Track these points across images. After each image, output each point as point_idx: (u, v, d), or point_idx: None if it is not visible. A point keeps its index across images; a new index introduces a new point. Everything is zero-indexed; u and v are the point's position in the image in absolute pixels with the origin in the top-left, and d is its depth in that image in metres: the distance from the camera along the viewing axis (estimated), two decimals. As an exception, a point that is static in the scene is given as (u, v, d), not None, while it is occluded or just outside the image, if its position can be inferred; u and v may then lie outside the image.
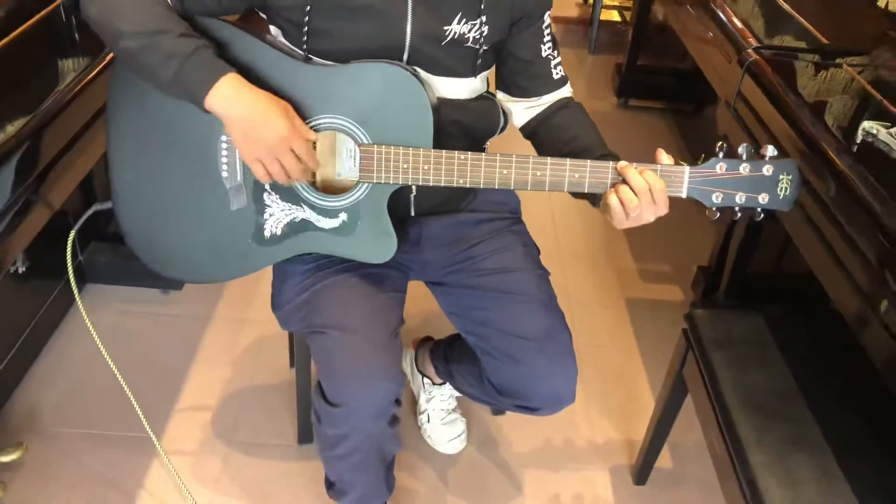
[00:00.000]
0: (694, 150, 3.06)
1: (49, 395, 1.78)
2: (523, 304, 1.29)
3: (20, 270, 1.69)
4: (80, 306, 1.39)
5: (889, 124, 1.31)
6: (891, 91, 1.45)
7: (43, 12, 1.55)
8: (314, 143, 1.16)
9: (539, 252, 1.43)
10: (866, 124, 1.31)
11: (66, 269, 1.93)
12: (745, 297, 1.96)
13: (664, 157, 1.12)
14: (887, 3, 1.64)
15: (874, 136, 1.30)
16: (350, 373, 1.19)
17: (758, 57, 1.65)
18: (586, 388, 1.94)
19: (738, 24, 1.86)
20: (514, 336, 1.28)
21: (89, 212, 1.36)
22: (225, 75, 1.06)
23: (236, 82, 1.07)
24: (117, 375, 1.41)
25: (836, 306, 1.23)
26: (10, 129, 1.23)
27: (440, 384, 1.71)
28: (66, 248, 1.92)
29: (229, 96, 1.06)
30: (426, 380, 1.73)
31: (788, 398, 1.27)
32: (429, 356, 1.69)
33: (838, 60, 1.60)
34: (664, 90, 3.38)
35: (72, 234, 1.36)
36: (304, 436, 1.71)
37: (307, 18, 1.15)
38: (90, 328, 1.39)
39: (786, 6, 1.93)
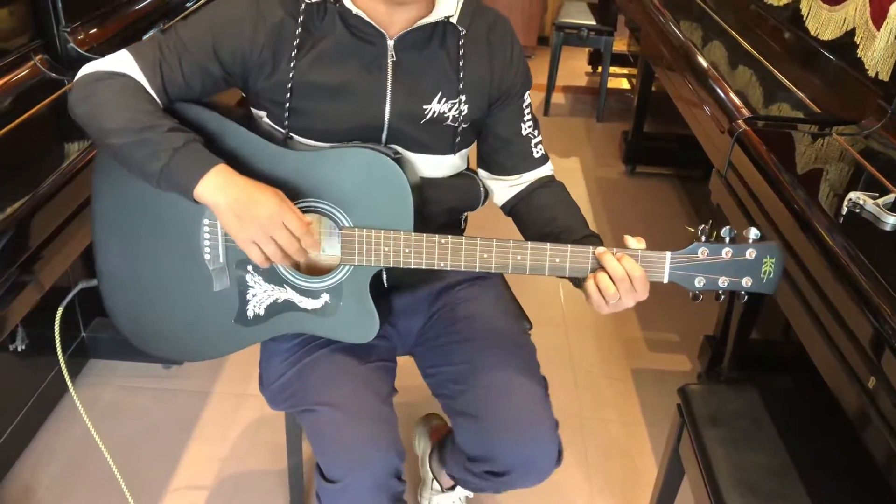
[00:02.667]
0: (702, 216, 3.05)
1: (44, 474, 1.78)
2: (485, 351, 1.26)
3: (20, 348, 1.71)
4: (73, 392, 1.39)
5: (876, 195, 1.29)
6: (880, 161, 1.44)
7: (50, 98, 1.62)
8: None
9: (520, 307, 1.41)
10: (853, 195, 1.29)
11: (66, 346, 1.95)
12: (751, 368, 1.91)
13: (632, 242, 1.10)
14: (877, 72, 1.64)
15: (861, 206, 1.28)
16: (343, 447, 1.18)
17: (748, 128, 1.65)
18: (588, 463, 1.89)
19: (732, 94, 1.87)
20: (475, 387, 1.23)
21: (75, 290, 1.38)
22: (215, 166, 1.07)
23: (226, 172, 1.08)
24: (109, 461, 1.40)
25: (828, 384, 1.20)
26: (10, 209, 1.27)
27: (448, 489, 1.65)
28: (65, 327, 1.95)
29: (219, 185, 1.06)
30: (435, 483, 1.67)
31: (783, 476, 1.22)
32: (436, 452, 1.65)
33: (828, 130, 1.60)
34: (671, 156, 3.39)
35: (59, 310, 1.36)
36: (297, 516, 1.68)
37: (289, 96, 1.17)
38: (83, 414, 1.39)
39: (781, 77, 1.95)
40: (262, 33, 1.15)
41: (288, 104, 1.18)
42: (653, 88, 3.30)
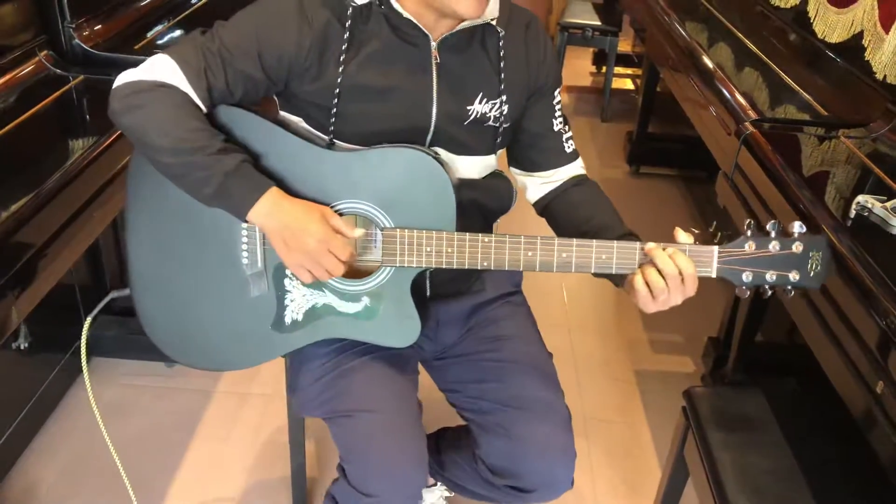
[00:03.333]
0: (707, 218, 3.04)
1: (47, 472, 1.78)
2: (521, 374, 1.27)
3: (22, 346, 1.70)
4: (91, 398, 1.38)
5: (884, 198, 1.28)
6: (888, 164, 1.44)
7: (54, 95, 1.62)
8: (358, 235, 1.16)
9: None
10: (861, 198, 1.29)
11: (69, 343, 1.95)
12: (756, 371, 1.91)
13: (682, 237, 1.08)
14: (885, 75, 1.63)
15: (869, 209, 1.27)
16: (383, 460, 1.17)
17: (755, 130, 1.64)
18: (592, 464, 1.88)
19: (738, 96, 1.86)
20: (509, 408, 1.24)
21: (105, 300, 1.33)
22: (265, 192, 1.08)
23: (276, 196, 1.09)
24: (115, 457, 1.40)
25: (836, 388, 1.19)
26: (14, 206, 1.26)
27: (430, 486, 1.65)
28: (69, 324, 1.95)
29: (269, 211, 1.08)
30: None
31: (789, 480, 1.22)
32: None
33: (835, 133, 1.59)
34: (676, 157, 3.39)
35: (87, 320, 1.32)
36: (300, 516, 1.68)
37: (336, 101, 1.15)
38: (96, 411, 1.38)
39: (787, 79, 1.94)
40: (308, 37, 1.13)
41: (335, 109, 1.16)
42: (657, 89, 3.30)
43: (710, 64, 2.14)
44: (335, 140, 1.19)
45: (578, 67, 4.69)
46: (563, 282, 2.60)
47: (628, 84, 4.51)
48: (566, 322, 2.41)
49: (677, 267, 1.05)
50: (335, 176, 1.15)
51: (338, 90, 1.15)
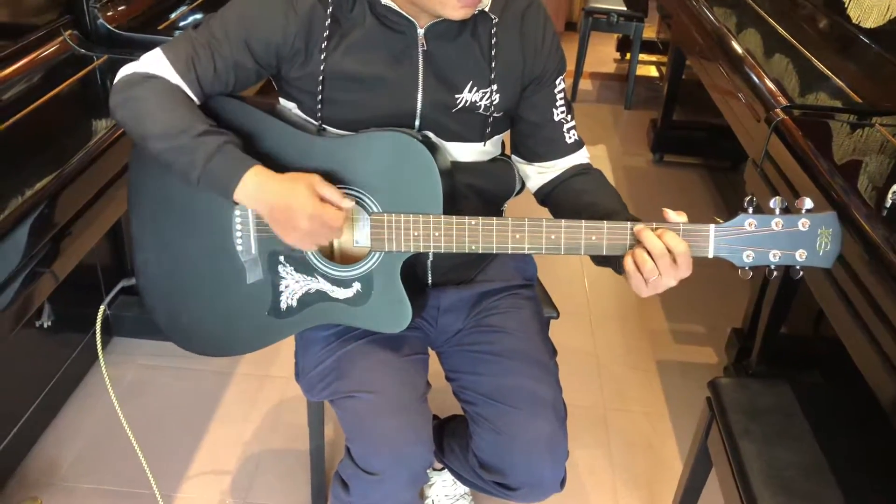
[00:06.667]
0: (731, 207, 3.00)
1: (68, 449, 1.79)
2: (514, 368, 1.24)
3: (45, 325, 1.71)
4: (106, 377, 1.38)
5: (921, 188, 1.25)
6: (924, 153, 1.40)
7: (78, 74, 1.62)
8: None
9: (548, 322, 1.38)
10: (896, 188, 1.26)
11: (91, 323, 1.96)
12: (780, 363, 1.88)
13: (672, 216, 1.04)
14: (922, 61, 1.60)
15: (905, 199, 1.24)
16: (383, 440, 1.16)
17: (786, 116, 1.61)
18: (612, 455, 1.87)
19: (769, 82, 1.82)
20: (498, 402, 1.22)
21: (117, 287, 1.38)
22: (247, 171, 1.07)
23: (261, 175, 1.07)
24: (131, 437, 1.41)
25: (867, 380, 1.16)
26: (39, 185, 1.27)
27: (440, 469, 1.64)
28: (91, 304, 1.95)
29: (254, 191, 1.07)
30: None
31: (815, 475, 1.19)
32: None
33: (870, 120, 1.56)
34: (700, 146, 3.34)
35: (102, 307, 1.35)
36: (317, 500, 1.68)
37: (320, 88, 1.16)
38: (111, 392, 1.38)
39: (819, 65, 1.90)
40: (294, 23, 1.13)
41: (320, 95, 1.16)
42: (682, 77, 3.25)
43: (739, 50, 2.10)
44: (325, 126, 1.19)
45: (601, 53, 4.64)
46: (585, 271, 2.57)
47: (652, 71, 4.45)
48: (587, 311, 2.39)
49: (666, 245, 1.00)
50: (324, 162, 1.14)
51: (321, 77, 1.15)
